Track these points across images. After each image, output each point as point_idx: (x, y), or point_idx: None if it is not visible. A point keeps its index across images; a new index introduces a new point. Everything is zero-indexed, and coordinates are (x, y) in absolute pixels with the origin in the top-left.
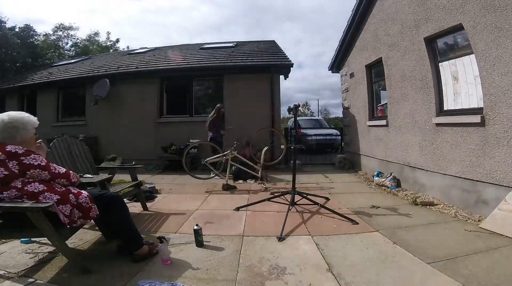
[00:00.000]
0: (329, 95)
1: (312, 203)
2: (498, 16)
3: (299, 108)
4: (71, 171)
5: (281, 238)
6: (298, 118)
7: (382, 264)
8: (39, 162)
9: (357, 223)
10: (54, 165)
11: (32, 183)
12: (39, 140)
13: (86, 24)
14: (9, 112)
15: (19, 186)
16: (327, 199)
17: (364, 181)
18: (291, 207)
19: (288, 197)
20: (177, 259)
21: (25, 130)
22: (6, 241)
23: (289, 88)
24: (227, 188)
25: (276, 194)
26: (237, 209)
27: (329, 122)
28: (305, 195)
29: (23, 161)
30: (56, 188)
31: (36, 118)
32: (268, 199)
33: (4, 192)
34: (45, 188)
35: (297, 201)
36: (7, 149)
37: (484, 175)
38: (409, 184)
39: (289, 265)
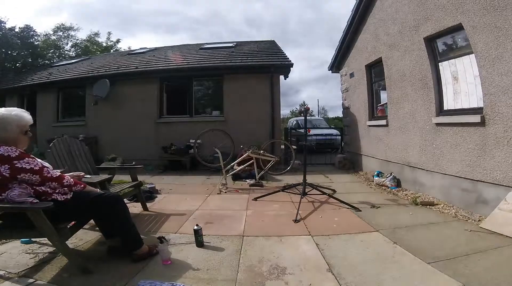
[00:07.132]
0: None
1: (320, 193)
2: (498, 16)
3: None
4: (66, 175)
5: (296, 221)
6: (297, 118)
7: (382, 264)
8: (32, 166)
9: (360, 210)
10: (49, 169)
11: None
12: None
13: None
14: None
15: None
16: (334, 191)
17: (364, 181)
18: (302, 196)
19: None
20: (178, 259)
21: (3, 130)
22: (6, 241)
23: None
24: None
25: (290, 185)
26: (255, 199)
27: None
28: (315, 186)
29: (16, 165)
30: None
31: (29, 116)
32: (283, 190)
33: (2, 194)
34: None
35: (308, 191)
36: None
37: (484, 174)
38: (409, 184)
39: (289, 265)
